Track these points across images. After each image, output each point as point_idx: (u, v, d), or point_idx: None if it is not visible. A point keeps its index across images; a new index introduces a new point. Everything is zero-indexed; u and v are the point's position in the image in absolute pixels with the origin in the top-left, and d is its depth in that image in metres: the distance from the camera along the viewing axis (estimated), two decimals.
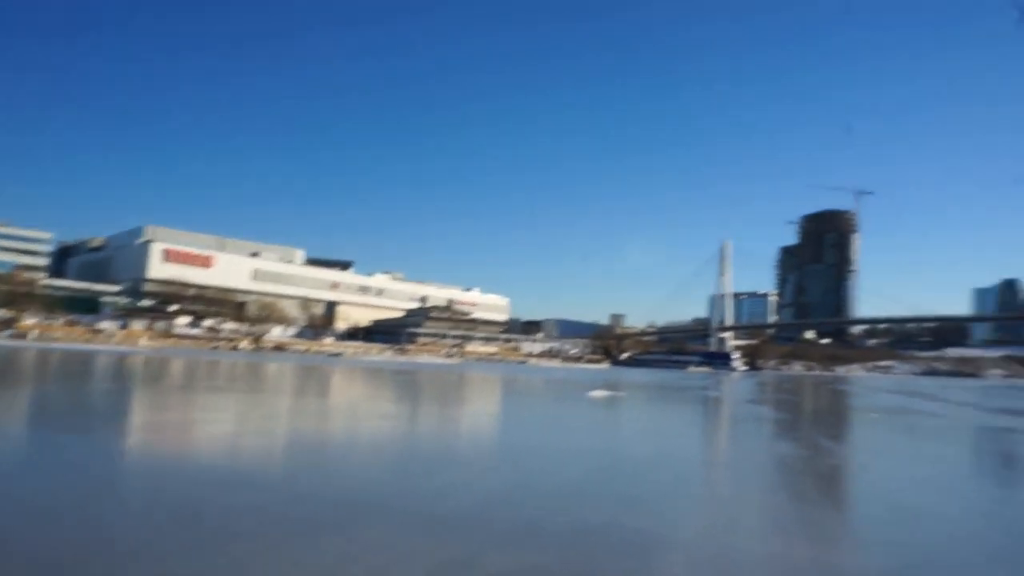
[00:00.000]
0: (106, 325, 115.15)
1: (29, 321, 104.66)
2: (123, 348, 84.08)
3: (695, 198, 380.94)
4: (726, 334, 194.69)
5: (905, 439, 16.88)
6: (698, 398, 32.96)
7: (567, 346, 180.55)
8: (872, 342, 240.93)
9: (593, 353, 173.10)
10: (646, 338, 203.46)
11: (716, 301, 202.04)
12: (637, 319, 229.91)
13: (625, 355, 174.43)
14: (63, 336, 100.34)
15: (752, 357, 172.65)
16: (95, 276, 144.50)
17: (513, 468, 9.07)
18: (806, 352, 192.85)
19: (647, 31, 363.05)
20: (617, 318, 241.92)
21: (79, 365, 35.66)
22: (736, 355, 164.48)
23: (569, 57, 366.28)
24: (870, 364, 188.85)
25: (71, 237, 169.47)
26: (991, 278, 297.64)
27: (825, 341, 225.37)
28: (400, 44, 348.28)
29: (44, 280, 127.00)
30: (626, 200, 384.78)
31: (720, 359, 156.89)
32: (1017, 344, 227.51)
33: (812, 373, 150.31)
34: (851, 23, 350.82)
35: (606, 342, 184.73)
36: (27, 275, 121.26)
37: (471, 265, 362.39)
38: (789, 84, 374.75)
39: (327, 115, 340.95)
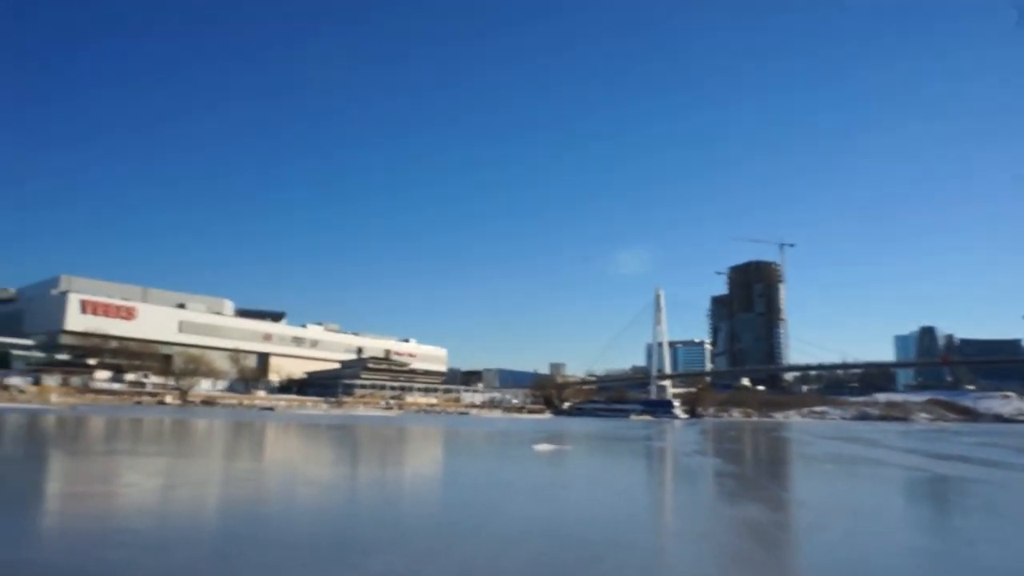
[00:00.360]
0: (16, 380, 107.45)
1: None
2: (33, 406, 78.21)
3: (630, 245, 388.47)
4: (665, 382, 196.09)
5: (870, 494, 15.97)
6: (647, 450, 31.68)
7: (508, 396, 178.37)
8: (805, 388, 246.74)
9: (534, 403, 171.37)
10: (586, 387, 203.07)
11: (653, 349, 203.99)
12: (577, 368, 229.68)
13: (567, 404, 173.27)
14: None
15: (692, 405, 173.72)
16: (5, 329, 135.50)
17: (448, 554, 7.42)
18: (744, 399, 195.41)
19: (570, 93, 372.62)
20: (557, 367, 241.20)
21: None
22: (677, 403, 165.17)
23: (497, 108, 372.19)
24: (805, 410, 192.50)
25: None
26: (910, 326, 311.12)
27: (760, 387, 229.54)
28: (325, 81, 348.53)
29: None
30: (563, 249, 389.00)
31: (661, 407, 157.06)
32: (937, 388, 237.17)
33: (752, 420, 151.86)
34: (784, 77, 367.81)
35: (547, 391, 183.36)
36: None
37: (408, 315, 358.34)
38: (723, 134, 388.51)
39: (251, 161, 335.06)
